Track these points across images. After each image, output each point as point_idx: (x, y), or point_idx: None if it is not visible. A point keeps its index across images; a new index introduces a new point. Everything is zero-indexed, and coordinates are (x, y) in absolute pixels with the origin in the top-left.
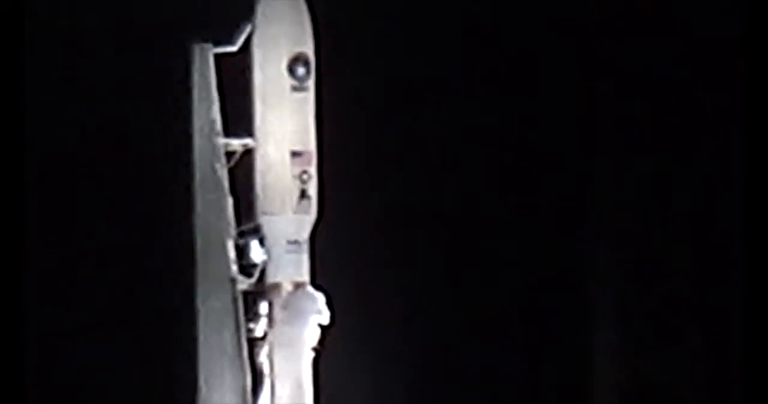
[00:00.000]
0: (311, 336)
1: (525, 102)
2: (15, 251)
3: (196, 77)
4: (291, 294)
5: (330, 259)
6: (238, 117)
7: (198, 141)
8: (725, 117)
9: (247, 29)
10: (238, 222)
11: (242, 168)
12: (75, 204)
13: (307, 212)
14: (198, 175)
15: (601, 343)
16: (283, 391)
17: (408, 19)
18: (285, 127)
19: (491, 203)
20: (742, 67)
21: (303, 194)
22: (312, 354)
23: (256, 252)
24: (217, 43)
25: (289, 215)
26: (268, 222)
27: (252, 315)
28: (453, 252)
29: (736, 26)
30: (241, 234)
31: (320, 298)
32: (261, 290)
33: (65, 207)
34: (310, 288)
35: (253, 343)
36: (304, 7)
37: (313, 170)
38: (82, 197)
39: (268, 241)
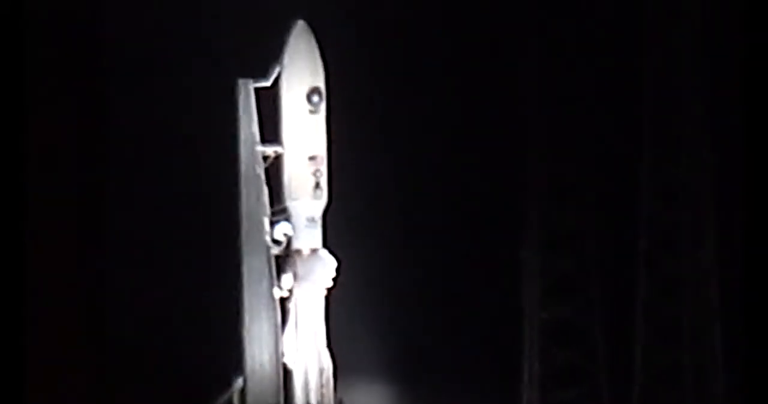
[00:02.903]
0: (323, 285)
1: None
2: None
3: (241, 103)
4: (308, 256)
5: (336, 231)
6: (271, 131)
7: (243, 149)
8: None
9: (277, 69)
10: (271, 205)
11: (274, 167)
12: (158, 194)
13: (320, 198)
14: (243, 173)
15: (528, 292)
16: (303, 324)
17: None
18: (304, 138)
19: (454, 186)
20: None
21: (317, 185)
22: (324, 298)
23: (284, 227)
24: (255, 79)
25: (307, 200)
26: (292, 206)
27: (281, 271)
28: (430, 233)
29: None
30: (273, 214)
31: (329, 259)
32: (287, 254)
33: (152, 196)
34: (322, 252)
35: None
36: (317, 52)
37: (324, 168)
38: (162, 189)
39: (292, 219)
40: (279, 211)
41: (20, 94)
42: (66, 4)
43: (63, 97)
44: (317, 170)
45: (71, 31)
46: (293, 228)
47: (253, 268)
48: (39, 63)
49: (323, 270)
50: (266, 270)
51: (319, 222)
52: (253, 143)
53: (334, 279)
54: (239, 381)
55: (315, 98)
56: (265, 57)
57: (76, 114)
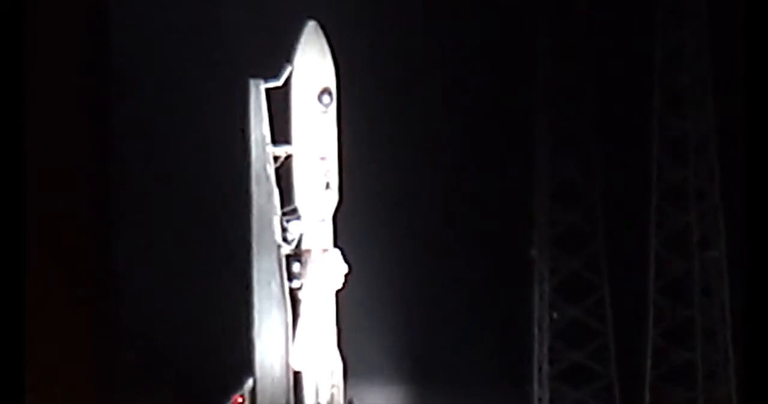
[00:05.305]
0: (333, 285)
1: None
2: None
3: (252, 104)
4: (319, 256)
5: (346, 231)
6: (282, 132)
7: (254, 149)
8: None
9: (288, 69)
10: (282, 205)
11: (284, 167)
12: (168, 193)
13: (330, 198)
14: (254, 173)
15: (538, 290)
16: (313, 324)
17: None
18: (315, 139)
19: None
20: None
21: (327, 186)
22: (334, 297)
23: (295, 227)
24: (266, 79)
25: (317, 200)
26: (302, 205)
27: (291, 270)
28: (440, 233)
29: None
30: (283, 214)
31: (340, 259)
32: (298, 253)
33: (162, 195)
34: (332, 252)
35: (293, 291)
36: (328, 52)
37: (334, 169)
38: (173, 189)
39: (302, 219)
40: (289, 212)
41: (24, 94)
42: (72, 2)
43: (70, 97)
44: (327, 171)
45: (78, 28)
46: (304, 227)
47: (263, 268)
48: (44, 63)
49: (333, 270)
50: (276, 269)
51: (330, 222)
52: (264, 143)
53: (344, 280)
54: (249, 382)
55: (326, 98)
56: (276, 57)
57: (84, 113)
